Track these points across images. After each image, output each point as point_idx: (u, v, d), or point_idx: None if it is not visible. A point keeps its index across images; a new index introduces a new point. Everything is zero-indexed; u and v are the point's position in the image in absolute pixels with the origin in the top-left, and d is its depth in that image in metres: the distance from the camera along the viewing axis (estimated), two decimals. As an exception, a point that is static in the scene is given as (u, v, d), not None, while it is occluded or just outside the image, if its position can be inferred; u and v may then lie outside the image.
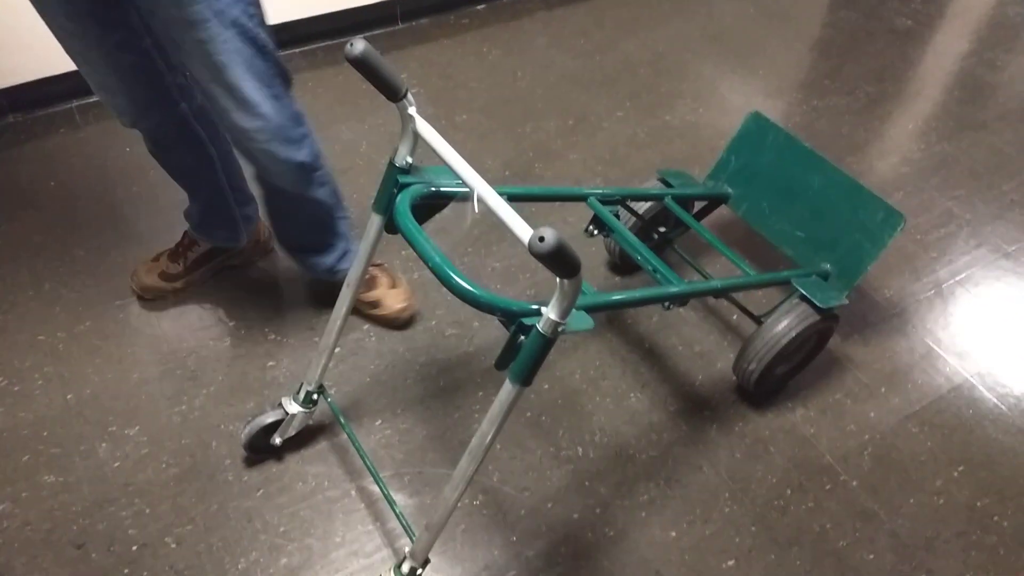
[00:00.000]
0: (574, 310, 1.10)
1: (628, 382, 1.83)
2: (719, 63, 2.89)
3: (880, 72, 2.91)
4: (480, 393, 1.78)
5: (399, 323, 1.90)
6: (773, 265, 2.09)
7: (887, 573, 1.53)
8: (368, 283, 1.86)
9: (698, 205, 2.01)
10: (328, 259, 1.78)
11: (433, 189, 1.24)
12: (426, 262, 1.10)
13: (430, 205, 1.27)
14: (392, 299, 1.87)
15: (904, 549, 1.57)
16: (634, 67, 2.84)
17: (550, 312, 1.03)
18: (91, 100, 2.50)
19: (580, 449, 1.69)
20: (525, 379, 1.11)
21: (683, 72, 2.83)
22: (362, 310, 1.89)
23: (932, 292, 2.09)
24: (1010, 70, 2.98)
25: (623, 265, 2.07)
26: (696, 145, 2.50)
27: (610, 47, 2.94)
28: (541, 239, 0.85)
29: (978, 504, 1.65)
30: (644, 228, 1.93)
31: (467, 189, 1.09)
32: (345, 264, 1.80)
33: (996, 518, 1.63)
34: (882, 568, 1.54)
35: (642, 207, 1.88)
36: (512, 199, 1.42)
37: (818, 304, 1.61)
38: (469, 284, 1.07)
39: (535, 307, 1.08)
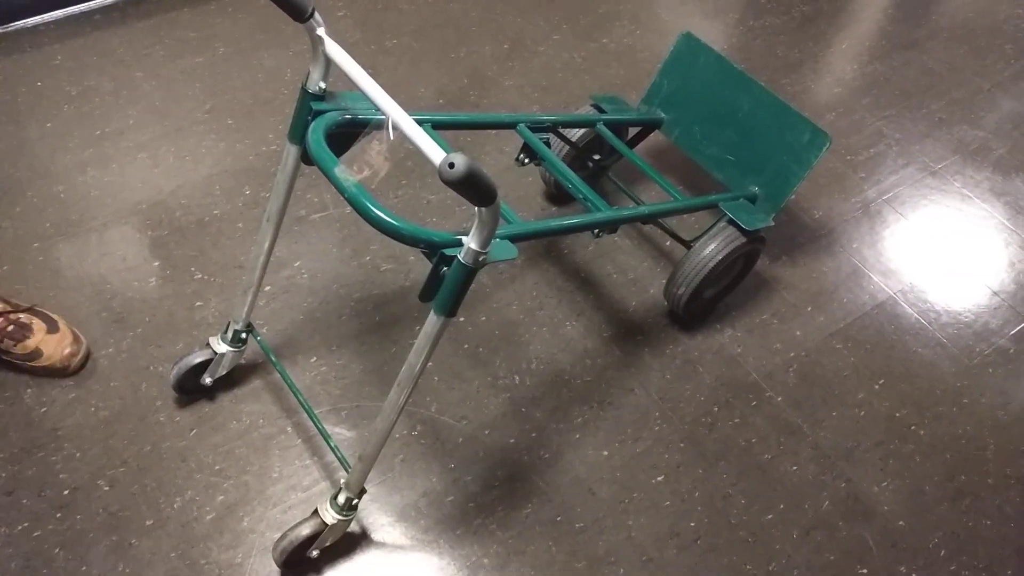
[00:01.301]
0: (497, 239, 1.09)
1: (564, 311, 1.84)
2: (657, -17, 2.83)
3: (817, -9, 2.89)
4: (417, 327, 1.77)
5: (70, 372, 1.61)
6: (708, 190, 2.10)
7: (809, 483, 1.60)
8: (17, 332, 1.57)
9: (633, 132, 1.99)
10: None
11: (348, 116, 1.20)
12: (342, 193, 1.07)
13: (348, 134, 1.23)
14: (54, 346, 1.59)
15: (825, 460, 1.64)
16: (570, -12, 2.77)
17: (470, 242, 1.02)
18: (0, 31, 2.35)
19: (517, 377, 1.71)
20: (449, 310, 1.11)
21: (620, -7, 2.77)
22: (20, 366, 1.60)
23: (860, 212, 2.14)
24: (944, -12, 2.99)
25: (559, 195, 2.06)
26: (633, 69, 2.47)
27: (546, -33, 2.85)
28: (451, 165, 0.83)
29: (897, 415, 1.73)
30: (578, 156, 1.91)
31: (383, 116, 1.06)
32: None
33: (913, 427, 1.71)
34: (804, 478, 1.61)
35: (576, 134, 1.86)
36: (438, 127, 1.39)
37: (744, 226, 1.63)
38: (388, 215, 1.05)
39: (457, 237, 1.07)
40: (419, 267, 1.89)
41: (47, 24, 2.40)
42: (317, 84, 1.17)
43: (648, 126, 1.96)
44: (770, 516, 1.55)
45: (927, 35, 2.74)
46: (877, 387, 1.77)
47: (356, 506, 1.35)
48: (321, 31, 1.11)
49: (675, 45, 1.91)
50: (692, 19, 2.69)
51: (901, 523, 1.57)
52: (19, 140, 2.07)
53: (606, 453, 1.61)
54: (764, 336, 1.83)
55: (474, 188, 0.88)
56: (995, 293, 1.98)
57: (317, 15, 1.10)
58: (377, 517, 1.49)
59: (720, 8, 2.76)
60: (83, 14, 2.45)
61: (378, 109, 1.06)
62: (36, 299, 1.74)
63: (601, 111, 1.88)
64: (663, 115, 1.94)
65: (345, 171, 1.08)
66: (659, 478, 1.58)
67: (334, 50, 1.12)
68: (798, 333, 1.85)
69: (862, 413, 1.72)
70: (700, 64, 1.88)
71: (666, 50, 1.93)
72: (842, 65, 2.59)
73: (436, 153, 0.96)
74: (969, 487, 1.63)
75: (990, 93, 2.54)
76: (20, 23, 2.39)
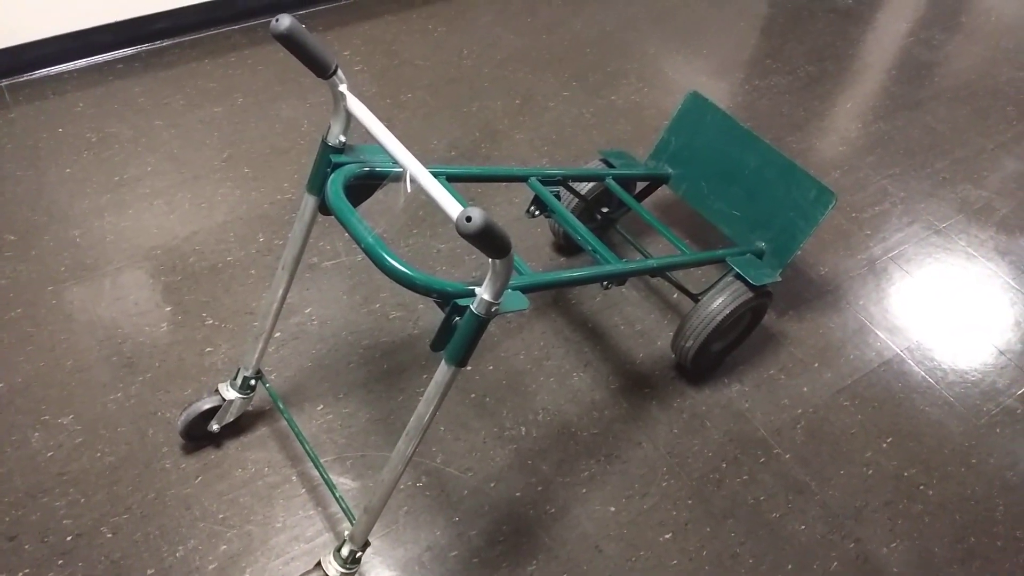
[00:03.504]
0: (509, 290, 1.11)
1: (571, 361, 1.85)
2: (664, 43, 2.91)
3: (821, 51, 2.96)
4: (424, 376, 1.78)
5: None
6: (715, 244, 2.12)
7: (818, 543, 1.58)
8: None
9: (641, 185, 2.02)
10: None
11: (367, 169, 1.23)
12: (359, 243, 1.09)
13: (365, 185, 1.26)
14: None
15: (834, 519, 1.62)
16: (580, 46, 2.84)
17: (483, 293, 1.03)
18: (22, 79, 2.41)
19: (523, 428, 1.71)
20: (460, 360, 1.11)
21: (628, 52, 2.84)
22: None
23: (865, 269, 2.15)
24: (946, 49, 3.06)
25: (568, 246, 2.08)
26: (640, 125, 2.52)
27: (557, 26, 2.93)
28: (468, 219, 0.85)
29: (905, 474, 1.72)
30: (587, 209, 1.94)
31: (400, 168, 1.08)
32: None
33: (922, 487, 1.70)
34: (813, 538, 1.59)
35: (585, 188, 1.89)
36: (452, 179, 1.42)
37: (751, 281, 1.64)
38: (402, 265, 1.06)
39: (469, 288, 1.08)
40: (428, 315, 1.90)
41: (70, 72, 2.47)
42: (337, 137, 1.20)
43: (656, 181, 2.00)
44: (779, 576, 1.53)
45: (930, 96, 2.80)
46: (885, 445, 1.76)
47: (359, 559, 1.33)
48: (343, 87, 1.15)
49: (683, 103, 1.95)
50: (698, 78, 2.75)
51: (912, 585, 1.55)
52: (39, 185, 2.11)
53: (613, 509, 1.59)
54: (772, 391, 1.83)
55: (490, 241, 0.90)
56: (1001, 352, 1.98)
57: (340, 72, 1.14)
58: (380, 571, 1.47)
59: (726, 68, 2.83)
60: (106, 63, 2.52)
61: (396, 162, 1.09)
62: (47, 342, 1.76)
63: (610, 166, 1.91)
64: (670, 170, 1.97)
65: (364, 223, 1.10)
66: (667, 536, 1.56)
67: (355, 105, 1.15)
68: (805, 389, 1.85)
69: (870, 472, 1.71)
70: (707, 122, 1.92)
71: (673, 107, 1.97)
72: (847, 124, 2.64)
73: (453, 207, 0.98)
74: (979, 549, 1.61)
75: (993, 153, 2.58)
76: (44, 71, 2.46)
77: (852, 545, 1.59)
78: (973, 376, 1.92)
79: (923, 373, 1.91)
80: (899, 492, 1.68)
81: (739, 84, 2.76)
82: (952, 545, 1.61)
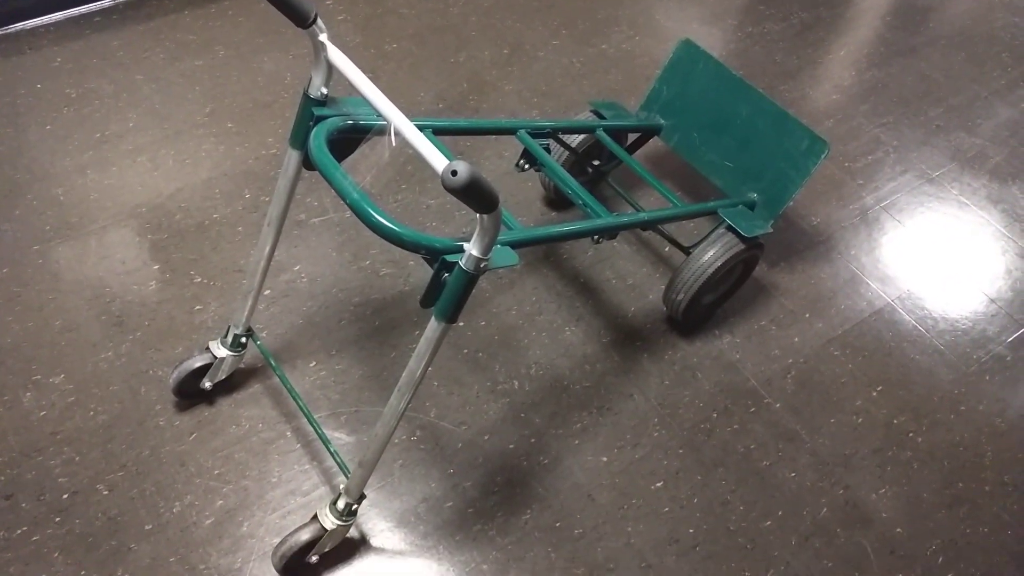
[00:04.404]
0: (498, 246, 1.10)
1: (563, 316, 1.85)
2: (656, -11, 2.84)
3: (815, -2, 2.90)
4: (416, 332, 1.78)
5: None
6: (707, 196, 2.11)
7: (807, 490, 1.61)
8: None
9: (632, 137, 2.00)
10: None
11: (351, 122, 1.21)
12: (344, 199, 1.07)
13: (350, 139, 1.24)
14: None
15: (824, 467, 1.64)
16: (570, -7, 2.77)
17: (472, 248, 1.02)
18: (-6, 32, 2.35)
19: (516, 383, 1.72)
20: (450, 316, 1.11)
21: (619, -1, 2.78)
22: None
23: (857, 219, 2.15)
24: (942, -5, 3.00)
25: (559, 200, 2.06)
26: (632, 74, 2.48)
27: (545, -28, 2.86)
28: (454, 173, 0.84)
29: (895, 422, 1.74)
30: (577, 162, 1.92)
31: (385, 122, 1.06)
32: None
33: (911, 434, 1.72)
34: (803, 485, 1.61)
35: (575, 140, 1.87)
36: (438, 133, 1.40)
37: (743, 233, 1.63)
38: (389, 221, 1.05)
39: (458, 243, 1.07)
40: (418, 271, 1.89)
41: (47, 26, 2.40)
42: (319, 90, 1.18)
43: (647, 132, 1.97)
44: (768, 523, 1.56)
45: (925, 42, 2.76)
46: (875, 394, 1.78)
47: (355, 511, 1.35)
48: (323, 37, 1.12)
49: (674, 52, 1.91)
50: (690, 25, 2.70)
51: (899, 530, 1.58)
52: (18, 143, 2.07)
53: (605, 459, 1.61)
54: (763, 342, 1.84)
55: (476, 196, 0.88)
56: (992, 300, 1.99)
57: (320, 21, 1.11)
58: (376, 522, 1.49)
59: (719, 14, 2.77)
60: (83, 16, 2.45)
61: (380, 115, 1.07)
62: (35, 302, 1.74)
63: (600, 117, 1.88)
64: (662, 121, 1.94)
65: (349, 177, 1.08)
66: (658, 484, 1.59)
67: (336, 56, 1.12)
68: (796, 339, 1.85)
69: (860, 420, 1.73)
70: (699, 71, 1.88)
71: (665, 56, 1.94)
72: (840, 72, 2.60)
73: (439, 160, 0.96)
74: (967, 494, 1.64)
75: (987, 100, 2.56)
76: (19, 25, 2.38)
77: (841, 492, 1.61)
78: (963, 324, 1.93)
79: (914, 322, 1.92)
80: (888, 440, 1.70)
81: (732, 31, 2.71)
82: (940, 491, 1.64)
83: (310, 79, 1.17)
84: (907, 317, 1.93)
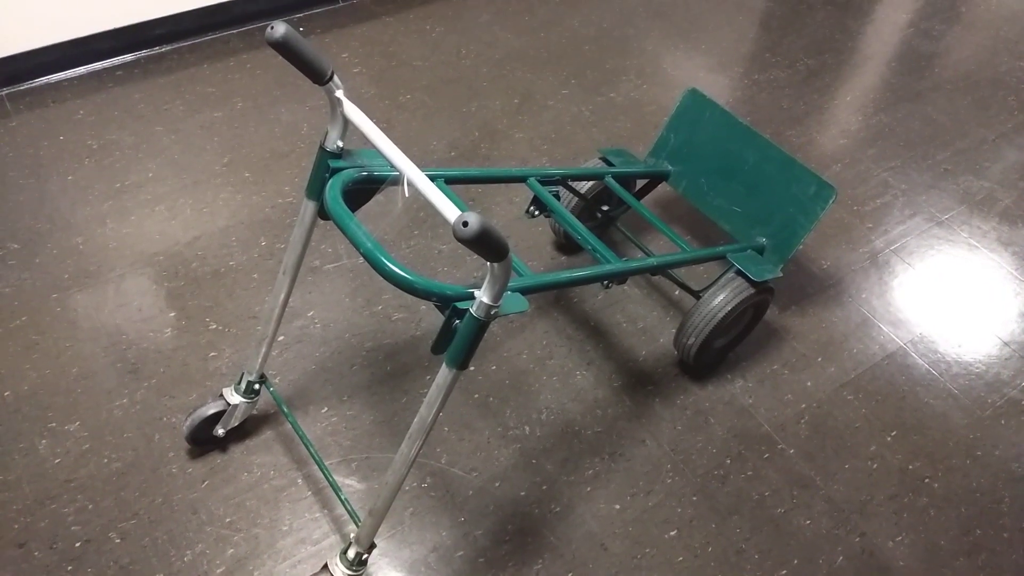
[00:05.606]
0: (508, 292, 1.11)
1: (574, 360, 1.85)
2: (662, 38, 2.90)
3: (820, 44, 2.95)
4: (428, 377, 1.78)
5: None
6: (715, 241, 2.12)
7: (823, 537, 1.59)
8: None
9: (640, 183, 2.02)
10: None
11: (365, 173, 1.24)
12: (357, 248, 1.09)
13: (364, 189, 1.27)
14: None
15: (839, 514, 1.62)
16: (578, 44, 2.84)
17: (483, 296, 1.03)
18: (23, 87, 2.42)
19: (527, 428, 1.71)
20: (461, 363, 1.12)
21: (627, 48, 2.84)
22: None
23: (868, 262, 2.15)
24: (946, 40, 3.05)
25: (568, 244, 2.08)
26: (640, 122, 2.52)
27: (554, 23, 2.93)
28: (465, 224, 0.85)
29: (910, 467, 1.72)
30: (587, 207, 1.94)
31: (398, 173, 1.09)
32: None
33: (927, 480, 1.70)
34: (818, 533, 1.59)
35: (585, 186, 1.89)
36: (450, 182, 1.43)
37: (753, 278, 1.64)
38: (401, 269, 1.07)
39: (469, 291, 1.09)
40: (430, 317, 1.90)
41: (70, 80, 2.48)
42: (335, 143, 1.21)
43: (655, 178, 2.00)
44: (784, 572, 1.53)
45: (930, 87, 2.79)
46: (889, 439, 1.76)
47: (366, 561, 1.34)
48: (340, 93, 1.15)
49: (681, 100, 1.95)
50: (698, 73, 2.75)
51: (918, 579, 1.55)
52: (41, 193, 2.12)
53: (618, 507, 1.60)
54: (775, 387, 1.83)
55: (487, 246, 0.90)
56: (1005, 344, 1.98)
57: (336, 78, 1.14)
58: (387, 572, 1.47)
59: (725, 63, 2.82)
60: (105, 70, 2.53)
61: (393, 167, 1.09)
62: (53, 350, 1.77)
63: (609, 164, 1.91)
64: (670, 167, 1.97)
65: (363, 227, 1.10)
66: (672, 533, 1.57)
67: (352, 111, 1.16)
68: (809, 384, 1.85)
69: (875, 466, 1.71)
70: (706, 118, 1.91)
71: (672, 104, 1.97)
72: (847, 117, 2.64)
73: (450, 211, 0.98)
74: (985, 541, 1.61)
75: (995, 144, 2.57)
76: (44, 79, 2.46)
77: (858, 539, 1.59)
78: (977, 368, 1.92)
79: (927, 366, 1.91)
80: (904, 485, 1.68)
81: (738, 78, 2.75)
82: (958, 538, 1.61)
83: (326, 133, 1.21)
84: (920, 361, 1.92)
